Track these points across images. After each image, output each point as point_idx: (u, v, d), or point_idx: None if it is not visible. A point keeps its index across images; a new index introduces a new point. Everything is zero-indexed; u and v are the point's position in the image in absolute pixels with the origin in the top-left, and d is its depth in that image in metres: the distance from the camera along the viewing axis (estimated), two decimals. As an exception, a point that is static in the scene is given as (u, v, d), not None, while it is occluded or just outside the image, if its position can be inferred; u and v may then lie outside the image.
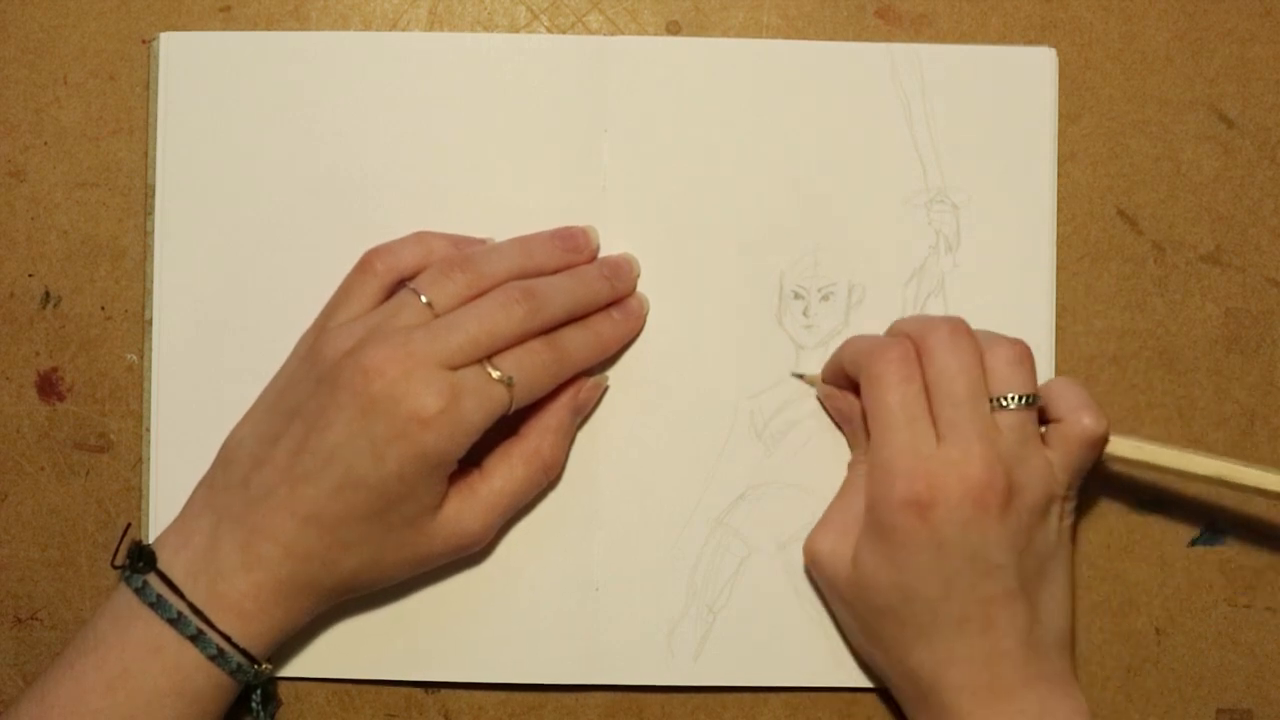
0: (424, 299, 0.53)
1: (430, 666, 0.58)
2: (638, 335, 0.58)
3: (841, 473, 0.58)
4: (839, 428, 0.58)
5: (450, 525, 0.54)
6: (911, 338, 0.54)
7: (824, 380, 0.58)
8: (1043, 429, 0.54)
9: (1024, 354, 0.54)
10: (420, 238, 0.56)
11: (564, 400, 0.56)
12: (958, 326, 0.54)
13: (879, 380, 0.53)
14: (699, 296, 0.59)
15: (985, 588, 0.52)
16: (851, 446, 0.58)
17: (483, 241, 0.57)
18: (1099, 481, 0.59)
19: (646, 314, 0.58)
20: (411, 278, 0.55)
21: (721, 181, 0.59)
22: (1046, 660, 0.53)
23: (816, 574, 0.57)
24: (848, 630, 0.57)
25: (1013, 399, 0.53)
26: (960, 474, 0.51)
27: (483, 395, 0.52)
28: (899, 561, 0.52)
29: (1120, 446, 0.55)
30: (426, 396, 0.51)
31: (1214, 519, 0.59)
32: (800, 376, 0.58)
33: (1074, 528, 0.56)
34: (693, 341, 0.59)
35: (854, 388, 0.56)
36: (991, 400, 0.53)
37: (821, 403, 0.58)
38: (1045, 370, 0.58)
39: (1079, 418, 0.53)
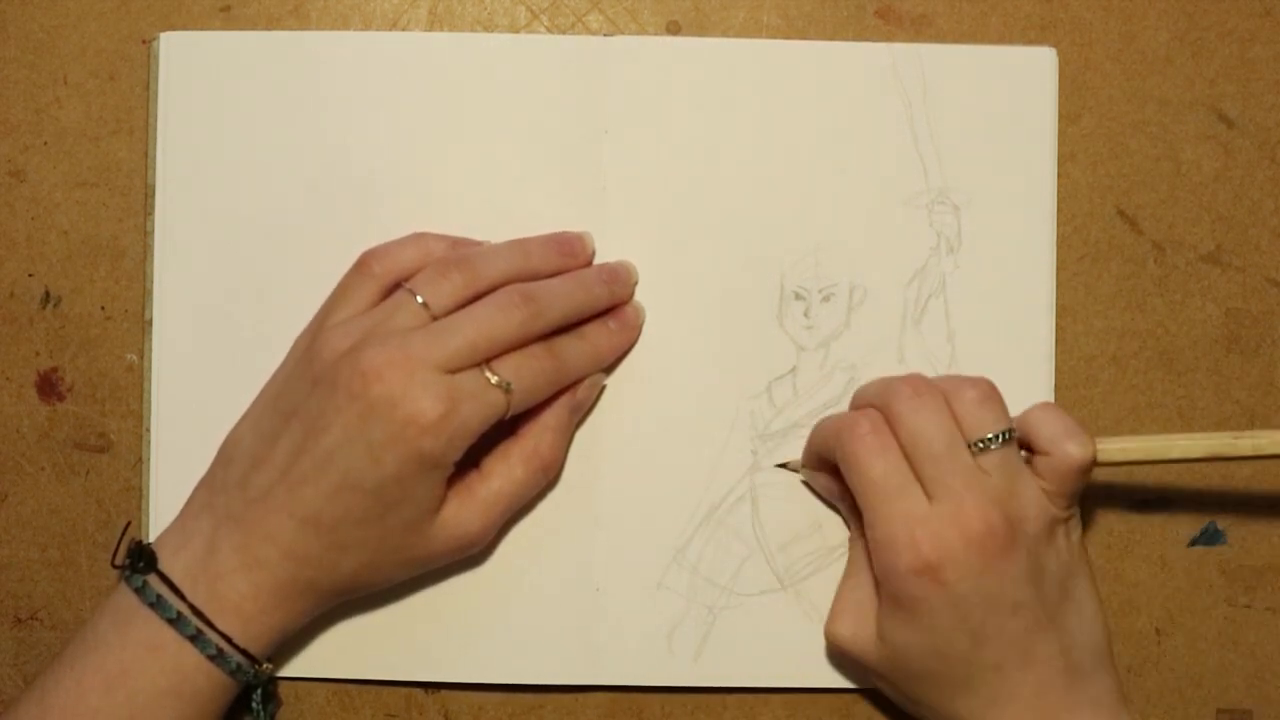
0: (420, 299, 0.53)
1: (430, 666, 0.58)
2: (634, 346, 0.58)
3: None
4: (831, 508, 0.58)
5: (449, 527, 0.54)
6: (876, 406, 0.54)
7: (805, 465, 0.58)
8: (1028, 456, 0.54)
9: (989, 391, 0.54)
10: (418, 239, 0.56)
11: (563, 399, 0.56)
12: (918, 384, 0.53)
13: (856, 458, 0.53)
14: (699, 297, 0.59)
15: (1013, 627, 0.52)
16: (847, 524, 0.58)
17: (481, 243, 0.57)
18: (1097, 485, 0.59)
19: (642, 324, 0.58)
20: (409, 279, 0.54)
21: (722, 182, 0.59)
22: (1090, 681, 0.53)
23: (844, 657, 0.57)
24: (886, 693, 0.57)
25: (991, 439, 0.53)
26: (959, 527, 0.51)
27: (480, 400, 0.52)
28: (924, 627, 0.52)
29: (1110, 453, 0.54)
30: (425, 401, 0.51)
31: (1214, 519, 0.59)
32: (784, 465, 0.58)
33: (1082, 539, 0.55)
34: (693, 341, 0.58)
35: (834, 468, 0.56)
36: (970, 445, 0.53)
37: (807, 485, 0.58)
38: (1046, 371, 0.58)
39: (1063, 448, 0.53)
